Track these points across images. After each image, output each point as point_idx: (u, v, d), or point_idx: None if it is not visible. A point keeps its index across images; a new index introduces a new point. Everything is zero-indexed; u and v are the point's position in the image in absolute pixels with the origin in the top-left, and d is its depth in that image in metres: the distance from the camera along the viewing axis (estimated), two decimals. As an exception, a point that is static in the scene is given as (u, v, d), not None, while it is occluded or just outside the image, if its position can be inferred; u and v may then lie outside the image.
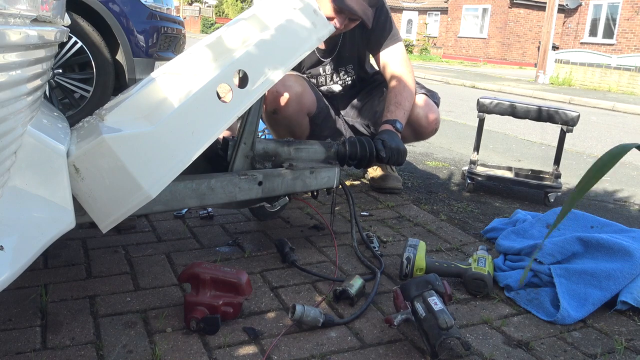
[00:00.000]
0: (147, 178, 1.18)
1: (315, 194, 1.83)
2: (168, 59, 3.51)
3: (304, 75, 2.34)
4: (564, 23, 18.46)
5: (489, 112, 2.51)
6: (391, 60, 2.23)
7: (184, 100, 1.23)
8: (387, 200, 2.30)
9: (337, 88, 2.37)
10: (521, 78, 13.35)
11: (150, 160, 1.18)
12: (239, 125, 1.60)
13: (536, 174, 2.61)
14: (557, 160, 2.52)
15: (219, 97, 1.30)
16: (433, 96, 2.33)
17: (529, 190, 2.62)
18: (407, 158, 3.21)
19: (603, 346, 1.26)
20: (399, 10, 28.35)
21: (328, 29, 1.53)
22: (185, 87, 1.26)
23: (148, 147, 1.18)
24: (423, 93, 2.30)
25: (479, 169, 2.60)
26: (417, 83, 2.33)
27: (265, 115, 2.22)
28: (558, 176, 2.49)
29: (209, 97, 1.26)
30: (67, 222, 1.08)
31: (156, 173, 1.19)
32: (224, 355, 1.13)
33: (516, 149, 4.02)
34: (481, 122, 2.58)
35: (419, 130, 2.28)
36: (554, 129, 5.31)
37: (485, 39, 22.42)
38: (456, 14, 23.73)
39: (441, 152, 3.57)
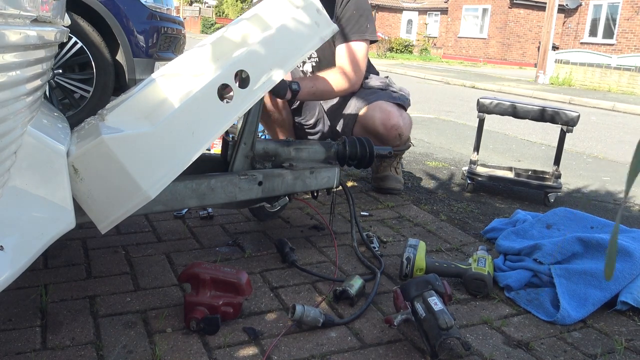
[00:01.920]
0: (146, 179, 1.17)
1: (315, 194, 1.83)
2: (168, 59, 3.51)
3: None
4: (564, 23, 18.46)
5: (489, 112, 2.51)
6: (340, 54, 2.19)
7: (185, 100, 1.23)
8: (387, 200, 2.30)
9: (308, 67, 2.39)
10: (521, 78, 13.35)
11: (150, 161, 1.18)
12: (239, 125, 1.60)
13: (537, 174, 2.61)
14: (557, 161, 2.52)
15: (222, 98, 1.30)
16: (396, 98, 2.29)
17: (529, 191, 2.62)
18: (407, 158, 3.21)
19: (603, 346, 1.26)
20: (399, 10, 28.35)
21: (331, 29, 1.53)
22: (186, 88, 1.25)
23: (147, 148, 1.18)
24: (386, 99, 2.26)
25: (479, 169, 2.60)
26: (382, 89, 2.30)
27: None
28: (558, 176, 2.49)
29: (209, 97, 1.26)
30: (67, 222, 1.08)
31: (156, 174, 1.19)
32: (224, 355, 1.13)
33: (516, 149, 4.02)
34: (481, 122, 2.58)
35: (379, 137, 2.23)
36: (554, 129, 5.31)
37: (485, 39, 22.42)
38: (456, 14, 23.72)
39: (441, 152, 3.57)
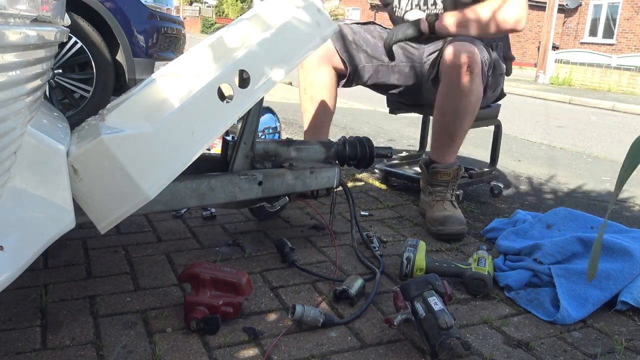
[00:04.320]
0: (146, 179, 1.17)
1: (315, 194, 1.83)
2: (168, 59, 3.51)
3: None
4: (564, 23, 18.47)
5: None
6: None
7: (185, 100, 1.23)
8: (387, 200, 2.30)
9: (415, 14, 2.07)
10: (521, 78, 13.35)
11: (150, 161, 1.18)
12: (239, 125, 1.60)
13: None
14: (493, 161, 2.44)
15: (222, 98, 1.30)
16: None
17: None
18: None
19: (603, 346, 1.26)
20: (399, 10, 28.30)
21: (332, 28, 1.53)
22: (186, 88, 1.25)
23: (147, 148, 1.18)
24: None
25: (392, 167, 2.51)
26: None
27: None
28: (495, 177, 2.43)
29: (209, 97, 1.26)
30: (67, 222, 1.08)
31: (155, 174, 1.19)
32: (224, 355, 1.13)
33: (516, 149, 4.02)
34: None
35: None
36: (554, 129, 5.31)
37: (485, 39, 22.39)
38: (456, 14, 23.69)
39: (441, 152, 3.56)
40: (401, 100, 2.35)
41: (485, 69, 1.90)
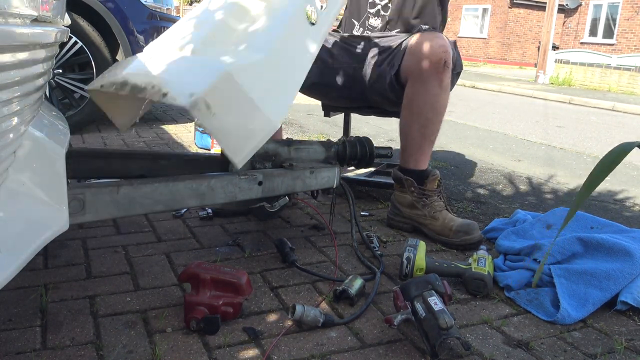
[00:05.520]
0: (269, 106, 1.14)
1: (315, 194, 1.83)
2: (168, 59, 3.51)
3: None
4: (564, 23, 18.47)
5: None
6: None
7: (282, 24, 1.21)
8: (387, 200, 2.30)
9: (376, 22, 2.01)
10: (521, 78, 13.35)
11: (269, 88, 1.16)
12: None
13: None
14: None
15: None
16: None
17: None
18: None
19: (603, 346, 1.26)
20: (399, 10, 28.32)
21: None
22: (273, 13, 1.23)
23: (265, 75, 1.15)
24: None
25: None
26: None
27: None
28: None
29: (300, 19, 1.24)
30: (60, 223, 1.07)
31: (276, 100, 1.16)
32: (224, 355, 1.13)
33: (516, 148, 4.02)
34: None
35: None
36: (554, 129, 5.31)
37: (485, 39, 22.42)
38: (456, 14, 23.72)
39: (441, 152, 3.57)
40: (341, 103, 2.22)
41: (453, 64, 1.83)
